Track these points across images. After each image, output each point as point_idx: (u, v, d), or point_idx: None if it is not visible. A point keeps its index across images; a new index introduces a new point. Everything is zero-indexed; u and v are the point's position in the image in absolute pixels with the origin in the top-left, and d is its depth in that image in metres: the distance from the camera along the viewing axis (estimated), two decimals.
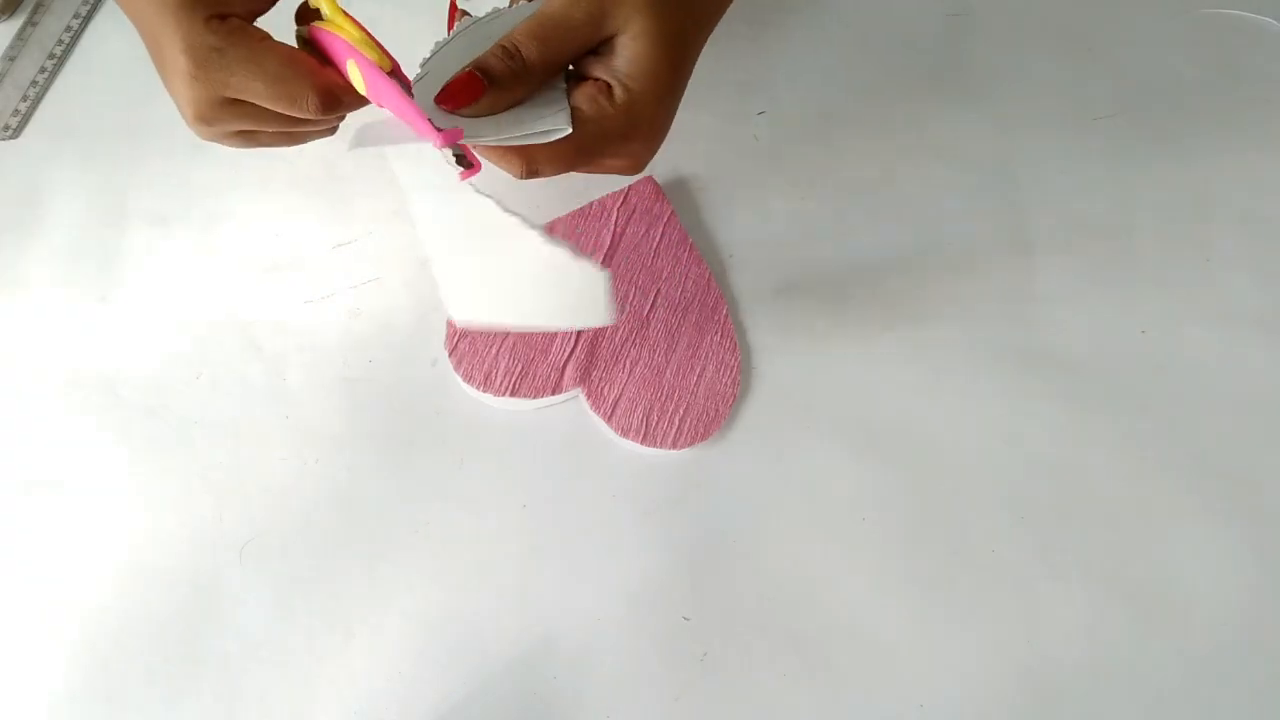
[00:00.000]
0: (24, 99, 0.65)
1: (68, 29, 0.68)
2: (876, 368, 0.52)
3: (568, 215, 0.57)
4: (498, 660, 0.46)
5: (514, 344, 0.52)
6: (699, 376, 0.52)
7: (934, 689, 0.45)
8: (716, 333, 0.53)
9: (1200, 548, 0.48)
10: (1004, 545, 0.48)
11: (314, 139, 0.46)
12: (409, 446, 0.51)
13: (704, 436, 0.50)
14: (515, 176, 0.42)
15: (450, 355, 0.52)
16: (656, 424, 0.51)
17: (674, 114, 0.45)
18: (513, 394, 0.51)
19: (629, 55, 0.41)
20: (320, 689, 0.46)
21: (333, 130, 0.46)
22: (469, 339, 0.52)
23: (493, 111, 0.41)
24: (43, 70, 0.66)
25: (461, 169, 0.40)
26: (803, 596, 0.47)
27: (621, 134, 0.42)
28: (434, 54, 0.43)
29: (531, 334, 0.53)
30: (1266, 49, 0.63)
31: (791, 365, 0.53)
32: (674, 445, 0.50)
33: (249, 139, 0.44)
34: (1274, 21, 0.64)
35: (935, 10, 0.66)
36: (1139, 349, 0.53)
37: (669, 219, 0.57)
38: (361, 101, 0.42)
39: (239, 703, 0.46)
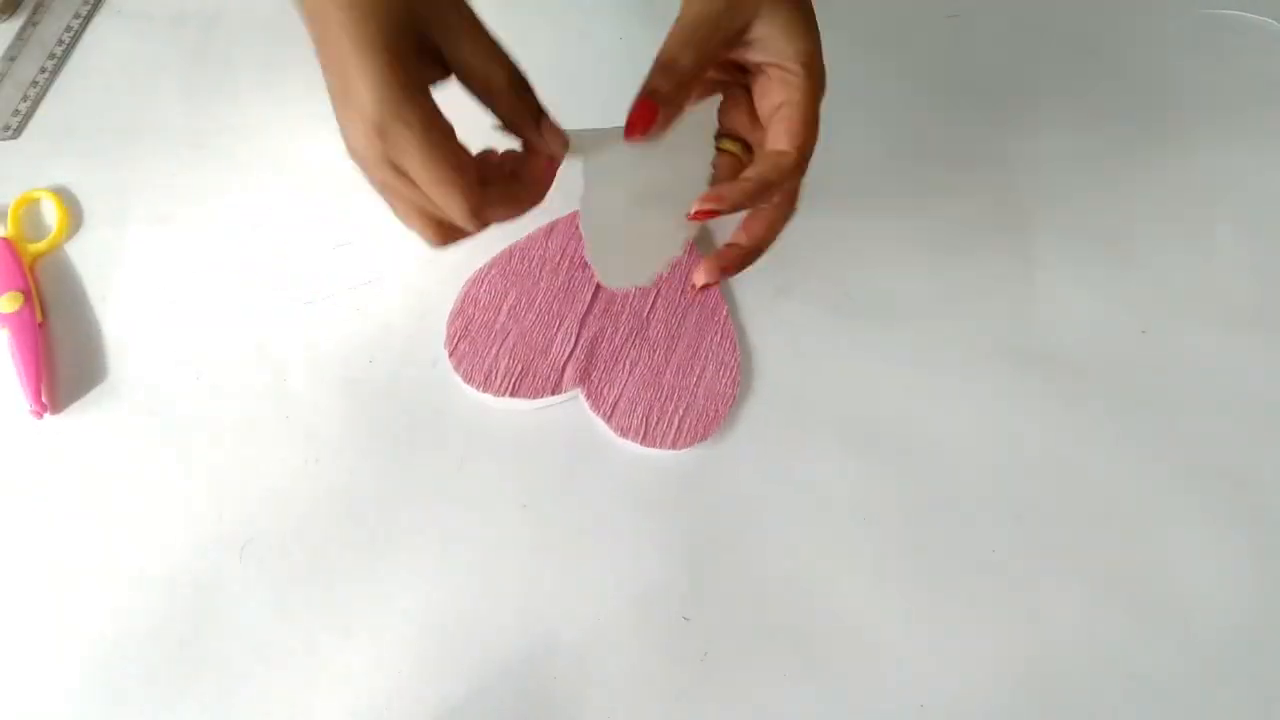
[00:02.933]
0: (24, 99, 0.65)
1: (68, 29, 0.68)
2: (876, 368, 0.52)
3: (568, 215, 0.57)
4: (498, 660, 0.46)
5: (514, 344, 0.53)
6: (699, 377, 0.52)
7: (934, 688, 0.45)
8: (716, 333, 0.53)
9: (1199, 546, 0.48)
10: (1003, 544, 0.48)
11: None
12: (409, 447, 0.51)
13: (703, 436, 0.51)
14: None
15: (450, 356, 0.52)
16: (656, 424, 0.51)
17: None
18: (512, 394, 0.51)
19: (777, 30, 0.43)
20: (320, 689, 0.46)
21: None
22: (469, 339, 0.52)
23: (667, 126, 0.43)
24: (43, 70, 0.66)
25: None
26: (802, 596, 0.47)
27: (814, 99, 0.43)
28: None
29: (531, 334, 0.53)
30: (1266, 49, 0.63)
31: (791, 365, 0.53)
32: (673, 445, 0.50)
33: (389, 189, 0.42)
34: (1274, 22, 0.64)
35: (935, 11, 0.66)
36: (1139, 349, 0.53)
37: None
38: (482, 227, 0.42)
39: (239, 702, 0.46)
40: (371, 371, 0.53)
